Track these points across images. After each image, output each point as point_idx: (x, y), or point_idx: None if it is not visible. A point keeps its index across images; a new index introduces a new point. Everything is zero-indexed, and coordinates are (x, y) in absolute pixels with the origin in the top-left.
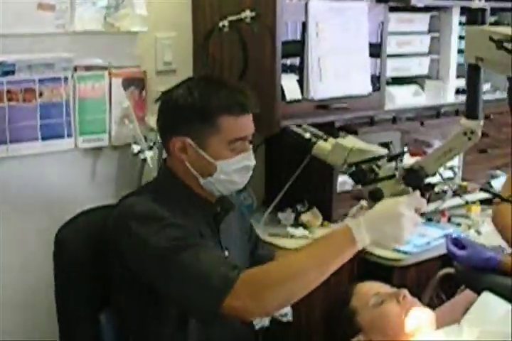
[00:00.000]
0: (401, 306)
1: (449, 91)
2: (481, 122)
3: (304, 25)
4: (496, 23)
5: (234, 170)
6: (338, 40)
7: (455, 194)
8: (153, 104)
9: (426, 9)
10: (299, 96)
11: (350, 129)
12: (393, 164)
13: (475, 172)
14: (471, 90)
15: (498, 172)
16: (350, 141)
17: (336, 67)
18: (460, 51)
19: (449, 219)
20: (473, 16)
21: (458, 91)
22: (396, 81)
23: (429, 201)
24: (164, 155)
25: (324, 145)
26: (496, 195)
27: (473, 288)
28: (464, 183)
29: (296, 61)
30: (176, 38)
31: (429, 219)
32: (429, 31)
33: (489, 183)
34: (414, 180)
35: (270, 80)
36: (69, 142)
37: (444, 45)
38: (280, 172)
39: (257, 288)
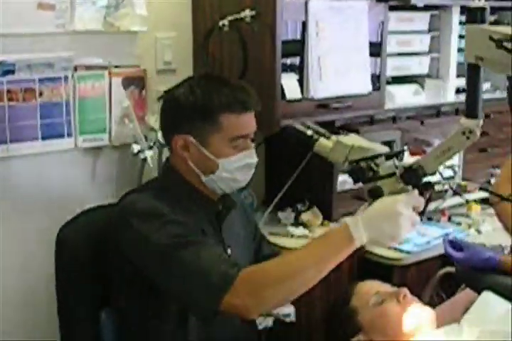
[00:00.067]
0: (401, 305)
1: (449, 90)
2: (481, 121)
3: (304, 25)
4: (495, 22)
5: (236, 167)
6: (338, 39)
7: (455, 193)
8: (154, 103)
9: (426, 8)
10: (299, 95)
11: (351, 128)
12: (392, 162)
13: (475, 171)
14: (471, 89)
15: (498, 171)
16: (351, 139)
17: (336, 67)
18: (460, 50)
19: (449, 219)
20: (472, 15)
21: (458, 91)
22: (396, 80)
23: (430, 200)
24: (166, 153)
25: (326, 143)
26: (495, 195)
27: (473, 287)
28: (464, 182)
29: (296, 60)
30: (175, 37)
31: (430, 219)
32: (429, 30)
33: (489, 182)
34: (413, 178)
35: (270, 79)
36: (69, 141)
37: (444, 44)
38: (280, 171)
39: (256, 286)
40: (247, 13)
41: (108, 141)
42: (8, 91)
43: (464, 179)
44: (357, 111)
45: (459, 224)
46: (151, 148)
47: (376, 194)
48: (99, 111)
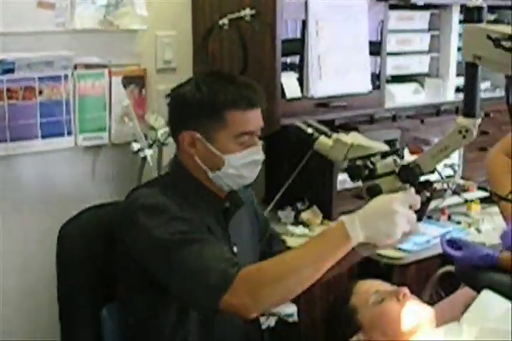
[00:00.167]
0: (401, 304)
1: (448, 89)
2: (478, 121)
3: (304, 24)
4: (495, 21)
5: (242, 164)
6: (338, 38)
7: (454, 192)
8: (153, 102)
9: (426, 7)
10: (298, 94)
11: (351, 127)
12: (389, 160)
13: (475, 170)
14: (469, 88)
15: None
16: (351, 137)
17: (335, 65)
18: (460, 49)
19: (449, 218)
20: (470, 14)
21: (458, 90)
22: (396, 79)
23: (431, 199)
24: (166, 152)
25: (326, 141)
26: (493, 194)
27: (473, 285)
28: (464, 181)
29: (296, 59)
30: (175, 36)
31: (429, 217)
32: (429, 29)
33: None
34: (409, 176)
35: (270, 78)
36: (69, 140)
37: (444, 43)
38: (280, 170)
39: (253, 285)
40: (247, 11)
41: (108, 139)
42: (8, 89)
43: (463, 178)
44: (357, 110)
45: (458, 223)
46: (150, 146)
47: (374, 192)
48: (99, 109)
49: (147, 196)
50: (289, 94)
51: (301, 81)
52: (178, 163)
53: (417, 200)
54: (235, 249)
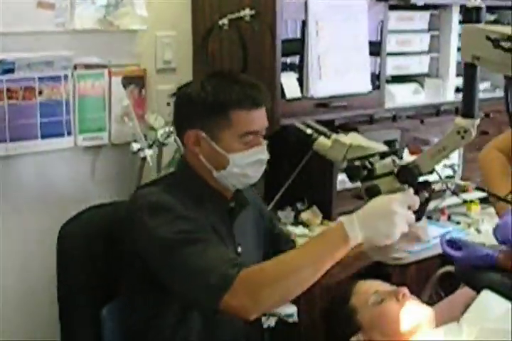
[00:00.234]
0: (400, 304)
1: (448, 89)
2: (477, 121)
3: (304, 24)
4: (495, 22)
5: (247, 163)
6: (338, 38)
7: (453, 193)
8: (153, 102)
9: (426, 7)
10: (298, 94)
11: (350, 127)
12: (388, 161)
13: (475, 171)
14: (468, 89)
15: None
16: (350, 138)
17: (335, 66)
18: (460, 49)
19: (448, 218)
20: (469, 15)
21: (458, 90)
22: (396, 79)
23: (430, 199)
24: (165, 152)
25: (325, 142)
26: (491, 194)
27: (472, 286)
28: (464, 182)
29: (296, 59)
30: (175, 36)
31: (429, 218)
32: (429, 29)
33: None
34: (408, 177)
35: (270, 78)
36: (69, 140)
37: (444, 43)
38: (280, 170)
39: (253, 287)
40: (247, 12)
41: (108, 139)
42: (8, 89)
43: (463, 178)
44: (356, 111)
45: (458, 223)
46: (150, 146)
47: (373, 192)
48: (99, 109)
49: (152, 194)
50: (288, 94)
51: (300, 81)
52: (184, 162)
53: (415, 201)
54: (240, 249)
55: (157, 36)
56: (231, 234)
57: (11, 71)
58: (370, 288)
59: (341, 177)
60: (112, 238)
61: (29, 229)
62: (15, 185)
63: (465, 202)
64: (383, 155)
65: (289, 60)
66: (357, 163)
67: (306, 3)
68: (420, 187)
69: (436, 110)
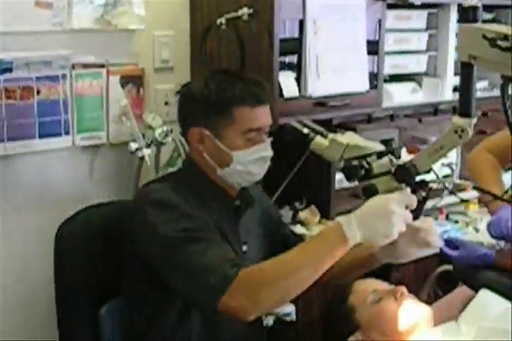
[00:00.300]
0: (399, 303)
1: (446, 88)
2: (474, 120)
3: (302, 23)
4: (493, 21)
5: (250, 160)
6: (336, 37)
7: (450, 192)
8: (151, 101)
9: (424, 6)
10: (296, 93)
11: (348, 126)
12: (385, 160)
13: None
14: (465, 88)
15: None
16: (347, 137)
17: (333, 65)
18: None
19: (446, 217)
20: (465, 14)
21: (455, 89)
22: (394, 78)
23: (427, 199)
24: (163, 151)
25: (321, 141)
26: (488, 193)
27: (471, 285)
28: (461, 181)
29: (294, 58)
30: (173, 35)
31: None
32: (427, 28)
33: None
34: (405, 176)
35: (268, 78)
36: (66, 140)
37: (442, 42)
38: (278, 169)
39: (252, 288)
40: (245, 11)
41: (106, 139)
42: (6, 89)
43: (461, 177)
44: (354, 110)
45: (456, 222)
46: (148, 146)
47: (370, 192)
48: (97, 109)
49: (157, 192)
50: (286, 94)
51: (298, 80)
52: (189, 159)
53: (413, 200)
54: (245, 248)
55: (155, 35)
56: (236, 232)
57: (8, 70)
58: (369, 287)
59: (339, 177)
60: (110, 237)
61: (27, 229)
62: (13, 184)
63: (463, 201)
64: (381, 155)
65: (286, 59)
66: (354, 162)
67: (303, 3)
68: (417, 187)
69: (434, 109)
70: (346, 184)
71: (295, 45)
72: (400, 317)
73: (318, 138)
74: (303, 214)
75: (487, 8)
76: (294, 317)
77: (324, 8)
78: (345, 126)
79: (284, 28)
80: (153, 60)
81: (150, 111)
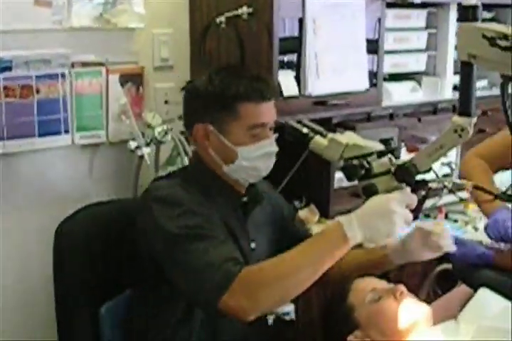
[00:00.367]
0: (398, 302)
1: (446, 87)
2: (473, 120)
3: (301, 22)
4: (492, 20)
5: (255, 156)
6: (336, 36)
7: (450, 191)
8: (151, 100)
9: (423, 5)
10: (296, 92)
11: (348, 125)
12: (385, 160)
13: None
14: (464, 87)
15: None
16: (346, 137)
17: (333, 64)
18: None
19: (446, 216)
20: (465, 13)
21: (455, 88)
22: (393, 77)
23: (426, 198)
24: (163, 150)
25: (321, 141)
26: (488, 192)
27: (470, 284)
28: (460, 180)
29: (294, 57)
30: (173, 34)
31: (427, 216)
32: (427, 27)
33: None
34: (405, 176)
35: (267, 76)
36: (66, 138)
37: (442, 41)
38: (277, 168)
39: (251, 288)
40: (244, 10)
41: (105, 137)
42: (5, 87)
43: (461, 176)
44: (354, 109)
45: (455, 221)
46: (148, 144)
47: (370, 191)
48: (96, 108)
49: (164, 188)
50: (286, 93)
51: (298, 79)
52: (196, 156)
53: (413, 200)
54: (253, 245)
55: (154, 34)
56: (245, 229)
57: (8, 69)
58: (368, 285)
59: (339, 176)
60: (110, 236)
61: (27, 228)
62: (12, 183)
63: (462, 200)
64: (380, 154)
65: (286, 58)
66: (355, 162)
67: (303, 2)
68: (417, 186)
69: (434, 108)
70: (346, 183)
71: (295, 44)
72: (399, 316)
73: (318, 138)
74: (302, 213)
75: (487, 7)
76: (293, 316)
77: (324, 7)
78: (344, 125)
79: (284, 27)
80: (152, 58)
81: (149, 109)
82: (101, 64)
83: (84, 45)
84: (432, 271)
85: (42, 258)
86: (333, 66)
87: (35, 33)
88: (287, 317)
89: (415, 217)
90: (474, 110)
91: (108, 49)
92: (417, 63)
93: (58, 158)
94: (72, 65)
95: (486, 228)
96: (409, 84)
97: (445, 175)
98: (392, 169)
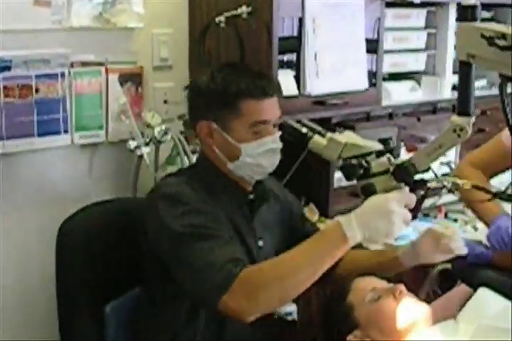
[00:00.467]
0: (397, 302)
1: (445, 87)
2: (472, 119)
3: (301, 21)
4: (491, 19)
5: (259, 153)
6: (335, 35)
7: (449, 191)
8: (150, 99)
9: (422, 5)
10: (295, 92)
11: (347, 125)
12: (384, 159)
13: None
14: (463, 87)
15: None
16: (345, 136)
17: (332, 63)
18: None
19: (445, 215)
20: (464, 13)
21: (454, 87)
22: (393, 77)
23: (425, 198)
24: (162, 150)
25: (320, 140)
26: (487, 192)
27: (469, 283)
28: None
29: (293, 57)
30: (172, 33)
31: (426, 215)
32: (426, 27)
33: None
34: (404, 175)
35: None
36: (65, 138)
37: (441, 40)
38: (277, 168)
39: (251, 288)
40: (244, 9)
41: (104, 137)
42: (5, 87)
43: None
44: (353, 108)
45: (455, 220)
46: (147, 144)
47: (369, 191)
48: (96, 107)
49: (171, 186)
50: (285, 92)
51: (297, 79)
52: (202, 154)
53: (412, 199)
54: (260, 243)
55: (154, 34)
56: (252, 227)
57: (7, 69)
58: (368, 285)
59: (338, 175)
60: (112, 235)
61: (27, 228)
62: (12, 182)
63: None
64: (379, 154)
65: (285, 57)
66: (353, 161)
67: (302, 1)
68: (416, 186)
69: (433, 108)
70: (345, 183)
71: (294, 44)
72: (399, 315)
73: (317, 137)
74: None
75: (486, 6)
76: (295, 316)
77: (323, 6)
78: (344, 125)
79: (283, 27)
80: (152, 58)
81: (149, 109)
82: (100, 64)
83: (84, 44)
84: (431, 271)
85: (42, 258)
86: (333, 66)
87: (34, 32)
88: (289, 318)
89: (414, 217)
90: (473, 110)
91: (107, 49)
92: (417, 63)
93: (58, 157)
94: (72, 65)
95: (488, 236)
96: (408, 84)
97: (444, 175)
98: (391, 169)
